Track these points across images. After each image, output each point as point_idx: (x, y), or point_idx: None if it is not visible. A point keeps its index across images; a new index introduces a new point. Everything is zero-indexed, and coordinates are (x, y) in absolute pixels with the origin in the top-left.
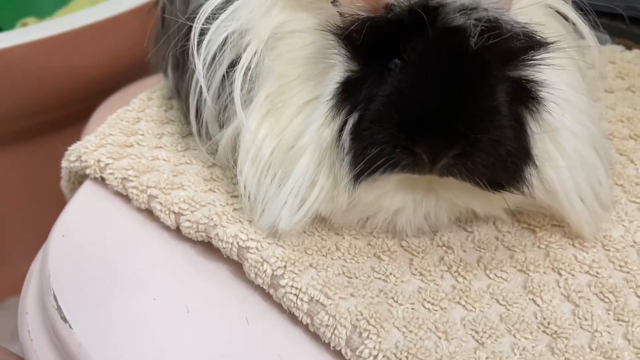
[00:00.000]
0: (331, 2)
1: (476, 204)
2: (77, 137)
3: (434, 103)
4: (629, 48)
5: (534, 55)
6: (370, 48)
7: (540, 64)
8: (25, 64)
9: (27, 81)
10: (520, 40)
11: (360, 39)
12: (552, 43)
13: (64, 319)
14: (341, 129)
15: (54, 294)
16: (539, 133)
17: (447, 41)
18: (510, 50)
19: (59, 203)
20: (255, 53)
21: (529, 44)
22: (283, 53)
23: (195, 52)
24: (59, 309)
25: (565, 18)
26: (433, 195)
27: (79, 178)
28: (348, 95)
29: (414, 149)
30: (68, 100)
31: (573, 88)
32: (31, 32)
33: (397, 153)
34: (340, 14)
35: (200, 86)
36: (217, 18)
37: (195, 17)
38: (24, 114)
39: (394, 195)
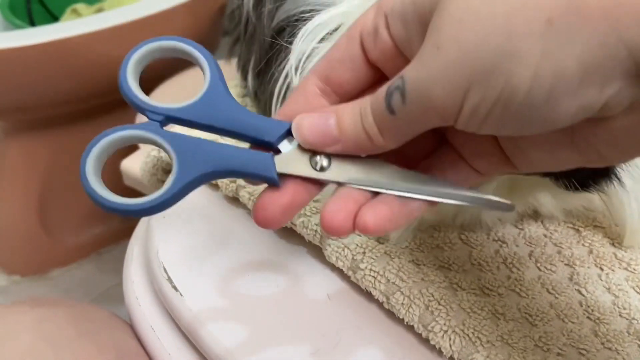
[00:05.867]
0: None
1: (545, 201)
2: (127, 121)
3: None
4: None
5: None
6: None
7: None
8: (85, 52)
9: (84, 68)
10: None
11: None
12: None
13: (175, 288)
14: None
15: (164, 267)
16: None
17: None
18: None
19: (104, 181)
20: None
21: None
22: None
23: (293, 73)
24: (169, 279)
25: None
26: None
27: (166, 166)
28: None
29: None
30: None
31: None
32: (90, 23)
33: None
34: None
35: (284, 92)
36: (310, 40)
37: (281, 30)
38: (80, 98)
39: None
